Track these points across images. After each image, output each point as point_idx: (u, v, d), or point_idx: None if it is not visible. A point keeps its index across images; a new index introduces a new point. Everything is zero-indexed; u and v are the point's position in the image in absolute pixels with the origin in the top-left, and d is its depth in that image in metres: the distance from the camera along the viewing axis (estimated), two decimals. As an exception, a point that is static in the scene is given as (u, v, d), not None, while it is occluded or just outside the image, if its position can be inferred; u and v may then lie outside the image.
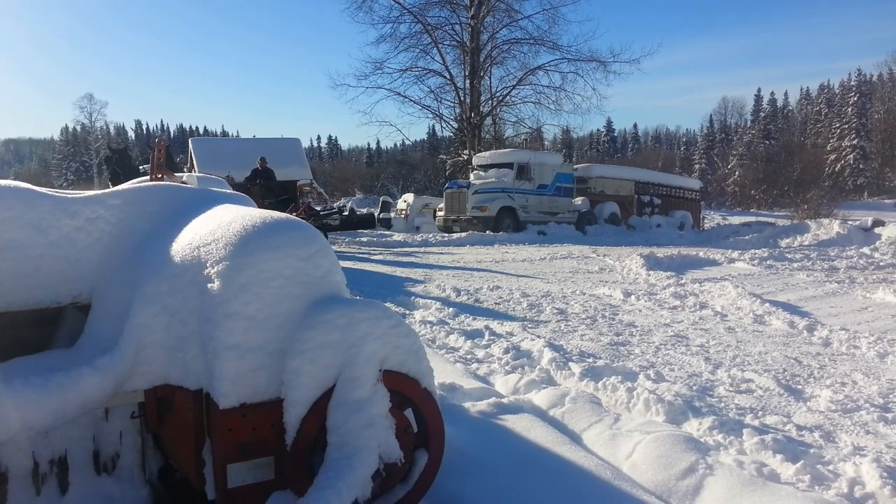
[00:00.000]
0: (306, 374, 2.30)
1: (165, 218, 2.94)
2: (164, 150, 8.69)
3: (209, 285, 2.35)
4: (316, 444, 2.35)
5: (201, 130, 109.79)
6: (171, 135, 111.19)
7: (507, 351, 5.69)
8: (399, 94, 31.59)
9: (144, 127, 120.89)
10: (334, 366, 2.35)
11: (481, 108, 32.17)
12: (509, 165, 22.69)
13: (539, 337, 6.18)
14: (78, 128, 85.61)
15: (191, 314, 2.44)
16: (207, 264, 2.41)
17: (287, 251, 2.42)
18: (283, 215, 2.68)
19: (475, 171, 24.10)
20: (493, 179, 22.45)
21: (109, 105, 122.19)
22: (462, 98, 32.17)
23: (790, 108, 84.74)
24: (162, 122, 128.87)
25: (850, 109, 65.75)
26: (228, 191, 3.62)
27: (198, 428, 2.43)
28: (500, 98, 32.55)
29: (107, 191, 3.06)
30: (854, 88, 67.17)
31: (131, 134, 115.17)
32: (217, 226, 2.54)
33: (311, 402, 2.31)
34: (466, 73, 31.89)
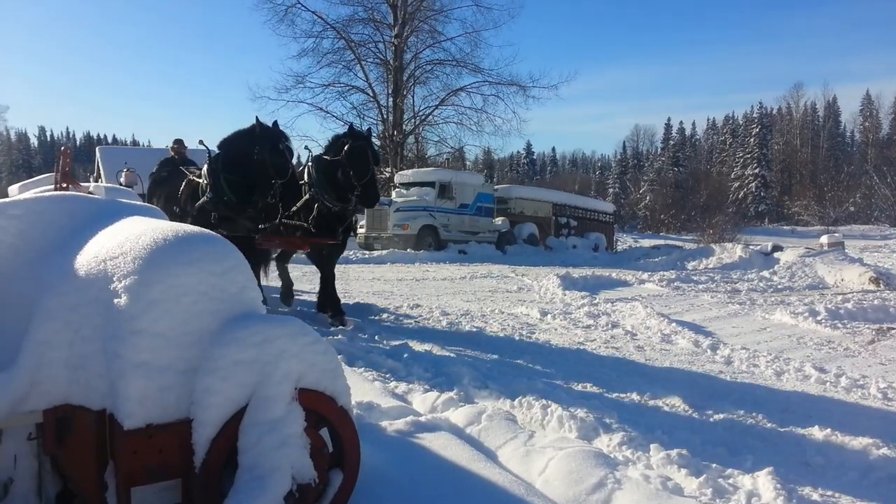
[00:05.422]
0: (218, 393, 2.24)
1: (70, 230, 2.80)
2: (70, 159, 8.29)
3: (116, 301, 2.26)
4: (227, 466, 2.29)
5: (110, 139, 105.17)
6: (78, 143, 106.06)
7: (426, 369, 5.70)
8: (321, 109, 31.22)
9: (49, 134, 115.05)
10: (248, 384, 2.30)
11: (404, 126, 32.33)
12: (431, 184, 22.78)
13: (458, 355, 6.23)
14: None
15: (95, 331, 2.33)
16: (114, 279, 2.31)
17: (201, 266, 2.35)
18: (197, 228, 2.60)
19: (397, 189, 24.10)
20: (415, 198, 22.50)
21: (10, 110, 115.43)
22: (385, 116, 32.24)
23: (697, 136, 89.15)
24: (68, 129, 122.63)
25: (752, 140, 69.89)
26: (138, 203, 3.50)
27: (100, 450, 2.32)
28: (423, 117, 32.85)
29: (6, 200, 2.89)
30: (756, 120, 71.42)
31: (34, 141, 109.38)
32: (125, 238, 2.44)
33: (223, 423, 2.25)
34: (389, 91, 32.02)
